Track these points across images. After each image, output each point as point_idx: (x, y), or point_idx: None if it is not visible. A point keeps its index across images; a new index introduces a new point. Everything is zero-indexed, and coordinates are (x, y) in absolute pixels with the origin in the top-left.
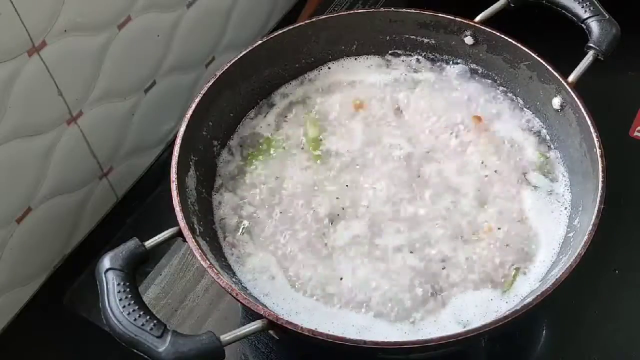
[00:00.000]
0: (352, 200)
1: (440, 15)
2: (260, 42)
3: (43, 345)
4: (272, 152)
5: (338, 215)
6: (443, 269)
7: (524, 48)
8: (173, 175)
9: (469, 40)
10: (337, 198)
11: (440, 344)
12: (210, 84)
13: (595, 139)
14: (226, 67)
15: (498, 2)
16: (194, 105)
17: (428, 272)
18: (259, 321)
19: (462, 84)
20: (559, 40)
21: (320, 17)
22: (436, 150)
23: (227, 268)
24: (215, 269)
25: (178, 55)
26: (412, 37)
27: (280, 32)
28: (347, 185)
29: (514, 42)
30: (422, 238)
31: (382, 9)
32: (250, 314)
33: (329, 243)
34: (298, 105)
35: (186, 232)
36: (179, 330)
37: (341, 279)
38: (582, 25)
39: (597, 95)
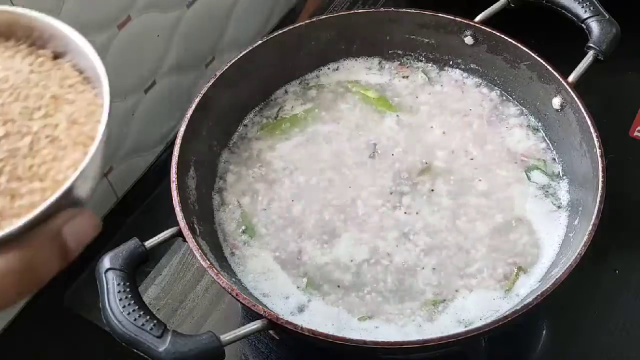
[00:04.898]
0: (352, 206)
1: (440, 15)
2: (260, 42)
3: (43, 345)
4: (273, 152)
5: (341, 217)
6: (444, 269)
7: (524, 48)
8: (173, 176)
9: (469, 40)
10: (339, 200)
11: (440, 344)
12: (210, 84)
13: (595, 139)
14: (226, 67)
15: (498, 2)
16: (194, 105)
17: (430, 272)
18: (259, 321)
19: (462, 84)
20: (559, 40)
21: (320, 17)
22: (435, 150)
23: (227, 268)
24: (215, 269)
25: (178, 55)
26: (412, 37)
27: (280, 32)
28: (350, 187)
29: (514, 42)
30: (425, 238)
31: (382, 9)
32: (250, 314)
33: (332, 246)
34: (298, 105)
35: (186, 232)
36: (179, 330)
37: (344, 280)
38: (582, 25)
39: (597, 95)
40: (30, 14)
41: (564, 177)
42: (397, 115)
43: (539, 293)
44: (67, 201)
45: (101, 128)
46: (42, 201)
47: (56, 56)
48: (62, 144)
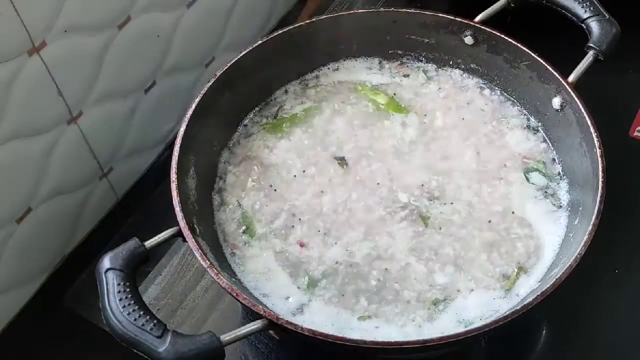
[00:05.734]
0: (354, 207)
1: (440, 15)
2: (260, 42)
3: (43, 345)
4: (273, 153)
5: (342, 217)
6: (445, 269)
7: (524, 48)
8: (173, 176)
9: (469, 40)
10: (341, 201)
11: (441, 344)
12: (210, 84)
13: (595, 139)
14: (226, 67)
15: (498, 2)
16: (194, 105)
17: (430, 272)
18: (259, 321)
19: (462, 84)
20: (559, 40)
21: (320, 17)
22: (435, 151)
23: (227, 268)
24: (215, 269)
25: (178, 55)
26: (412, 37)
27: (280, 32)
28: (351, 187)
29: (514, 42)
30: (426, 238)
31: (382, 9)
32: (250, 314)
33: (332, 246)
34: (297, 105)
35: (186, 232)
36: (179, 330)
37: (344, 280)
38: (582, 25)
39: (597, 95)
40: None
41: (564, 177)
42: (399, 116)
43: (539, 293)
44: None
45: None
46: None
47: None
48: None
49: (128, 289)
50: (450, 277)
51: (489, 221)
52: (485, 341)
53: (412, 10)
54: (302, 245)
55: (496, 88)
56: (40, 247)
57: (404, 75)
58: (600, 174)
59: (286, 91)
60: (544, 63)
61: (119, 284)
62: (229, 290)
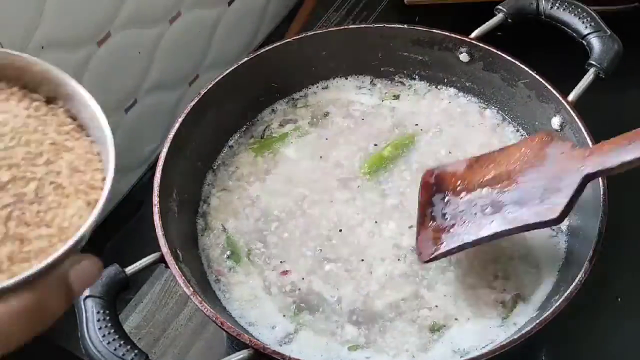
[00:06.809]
0: (342, 232)
1: (434, 31)
2: (246, 59)
3: None
4: (259, 175)
5: (330, 242)
6: (440, 297)
7: (521, 65)
8: (155, 199)
9: (464, 57)
10: (328, 225)
11: None
12: (193, 103)
13: None
14: (210, 86)
15: (495, 18)
16: (176, 126)
17: (425, 300)
18: (245, 351)
19: (457, 103)
20: (558, 57)
21: (309, 34)
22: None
23: (212, 295)
24: (199, 296)
25: (160, 73)
26: (404, 54)
27: (266, 48)
28: (339, 212)
29: (511, 59)
30: (417, 265)
31: (373, 24)
32: (235, 344)
33: (320, 272)
34: (286, 125)
35: (169, 258)
36: None
37: (333, 308)
38: (583, 41)
39: (598, 114)
40: (25, 57)
41: None
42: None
43: (538, 322)
44: (74, 249)
45: (108, 182)
46: (49, 247)
47: (48, 100)
48: (66, 192)
49: (108, 317)
50: (446, 304)
51: (487, 248)
52: None
53: (405, 26)
54: (287, 272)
55: (493, 107)
56: None
57: (394, 97)
58: (601, 197)
59: (273, 110)
60: (542, 81)
61: (98, 312)
62: (214, 318)
